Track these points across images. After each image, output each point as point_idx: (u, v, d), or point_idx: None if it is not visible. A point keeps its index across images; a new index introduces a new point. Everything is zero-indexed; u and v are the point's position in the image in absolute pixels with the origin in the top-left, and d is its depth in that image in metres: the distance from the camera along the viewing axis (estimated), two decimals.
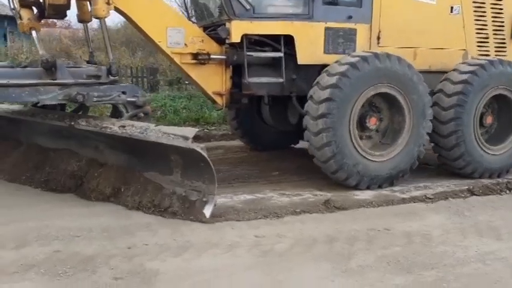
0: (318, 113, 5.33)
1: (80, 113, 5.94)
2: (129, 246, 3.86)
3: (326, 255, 3.77)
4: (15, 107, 6.09)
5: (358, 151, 5.49)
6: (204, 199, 4.39)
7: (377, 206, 5.02)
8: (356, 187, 5.48)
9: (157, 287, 3.24)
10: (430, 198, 5.24)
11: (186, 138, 4.36)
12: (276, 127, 7.23)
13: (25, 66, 5.32)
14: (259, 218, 4.55)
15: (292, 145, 7.76)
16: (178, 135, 4.43)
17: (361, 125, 5.68)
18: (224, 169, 6.41)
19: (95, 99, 5.12)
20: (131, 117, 5.34)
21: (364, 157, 5.52)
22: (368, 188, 5.52)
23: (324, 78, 5.45)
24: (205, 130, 9.18)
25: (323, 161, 5.44)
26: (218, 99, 5.93)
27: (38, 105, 5.49)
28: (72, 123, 5.08)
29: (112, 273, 3.40)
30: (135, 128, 4.69)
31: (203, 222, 4.31)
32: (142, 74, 12.32)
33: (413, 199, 5.23)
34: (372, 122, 5.71)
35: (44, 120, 5.43)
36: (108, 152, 4.99)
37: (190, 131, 4.48)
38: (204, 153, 4.29)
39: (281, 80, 5.82)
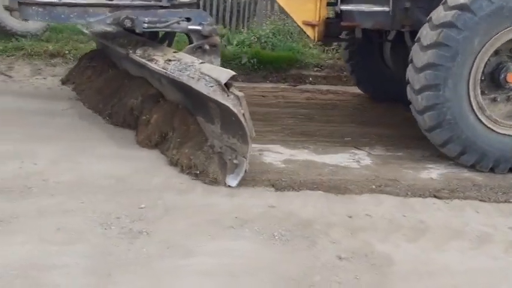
0: (422, 63, 3.89)
1: (166, 42, 5.31)
2: (350, 214, 3.26)
3: None
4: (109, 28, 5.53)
5: (479, 119, 3.93)
6: (235, 161, 3.55)
7: None
8: (473, 167, 4.02)
9: (393, 284, 2.59)
10: None
11: (217, 82, 3.48)
12: (397, 72, 5.52)
13: None
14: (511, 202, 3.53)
15: None
16: (212, 77, 3.55)
17: (494, 81, 4.05)
18: None
19: (145, 25, 4.40)
20: (195, 50, 4.46)
21: (489, 128, 3.97)
22: (492, 170, 3.99)
23: (439, 13, 3.91)
24: None
25: (426, 129, 4.05)
26: (309, 32, 4.72)
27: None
28: (131, 51, 4.50)
29: (335, 250, 2.86)
30: (178, 64, 3.95)
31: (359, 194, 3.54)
32: None
33: None
34: (510, 79, 4.00)
35: (112, 45, 4.95)
36: (168, 87, 4.29)
37: (225, 74, 3.53)
38: (229, 104, 3.37)
39: (387, 8, 4.40)
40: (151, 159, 3.96)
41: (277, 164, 4.02)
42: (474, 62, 3.90)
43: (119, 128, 4.60)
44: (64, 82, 6.07)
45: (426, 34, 3.95)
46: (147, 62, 4.26)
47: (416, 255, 2.84)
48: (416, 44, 4.05)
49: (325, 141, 4.63)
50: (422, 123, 4.07)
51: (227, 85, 3.48)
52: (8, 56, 6.90)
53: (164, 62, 4.14)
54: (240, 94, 3.47)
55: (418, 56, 3.97)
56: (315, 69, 7.51)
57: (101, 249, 2.73)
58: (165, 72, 3.97)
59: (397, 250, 2.88)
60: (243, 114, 3.40)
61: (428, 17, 4.04)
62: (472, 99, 3.95)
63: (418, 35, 4.07)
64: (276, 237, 2.97)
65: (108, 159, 3.89)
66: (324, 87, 6.91)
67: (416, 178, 3.87)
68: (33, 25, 7.50)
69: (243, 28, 9.36)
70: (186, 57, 4.12)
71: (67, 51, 7.07)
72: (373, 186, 3.66)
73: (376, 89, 6.06)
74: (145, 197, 3.34)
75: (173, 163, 3.79)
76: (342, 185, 3.64)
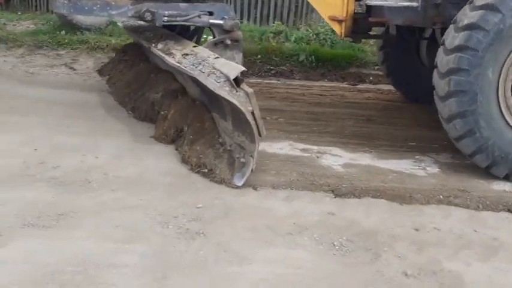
0: (446, 114, 3.68)
1: (195, 37, 5.18)
2: (417, 227, 3.07)
3: None
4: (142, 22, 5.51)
5: (506, 120, 3.64)
6: (242, 160, 3.42)
7: None
8: (508, 178, 3.72)
9: None
10: None
11: (226, 77, 3.40)
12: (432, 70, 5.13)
13: None
14: None
15: None
16: (222, 72, 3.46)
17: None
18: None
19: (165, 18, 4.31)
20: (216, 44, 4.33)
21: None
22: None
23: (442, 59, 3.68)
24: None
25: (445, 119, 3.76)
26: (336, 27, 4.48)
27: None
28: (153, 44, 4.45)
29: (400, 265, 2.68)
30: (194, 58, 3.87)
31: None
32: None
33: None
34: None
35: (138, 38, 4.90)
36: (189, 82, 4.15)
37: (235, 70, 3.42)
38: (235, 101, 3.25)
39: (415, 4, 4.11)
40: None
41: (336, 168, 3.87)
42: (498, 91, 3.64)
43: None
44: (100, 74, 6.13)
45: (438, 84, 3.74)
46: (164, 55, 4.26)
47: (490, 275, 2.62)
48: (434, 92, 3.83)
49: (388, 145, 4.41)
50: (442, 110, 3.81)
51: (237, 81, 3.41)
52: (72, 49, 7.12)
53: (181, 56, 4.12)
54: (250, 90, 3.36)
55: (440, 106, 3.78)
56: (376, 67, 7.21)
57: (159, 248, 2.71)
58: (178, 66, 3.94)
59: (468, 269, 2.66)
60: (252, 112, 3.30)
61: (435, 62, 3.82)
62: (500, 97, 3.66)
63: (433, 82, 3.84)
64: (336, 247, 2.83)
65: (167, 156, 3.88)
66: (385, 87, 6.60)
67: (488, 189, 3.61)
68: (98, 19, 7.68)
69: (300, 24, 9.19)
70: (204, 52, 4.07)
71: None
72: (441, 197, 3.44)
73: (409, 87, 5.77)
74: (203, 196, 3.30)
75: (184, 161, 3.73)
76: (407, 194, 3.45)
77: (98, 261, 2.55)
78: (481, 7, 3.57)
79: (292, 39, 7.89)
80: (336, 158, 4.05)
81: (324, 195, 3.42)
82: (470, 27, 3.56)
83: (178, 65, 3.96)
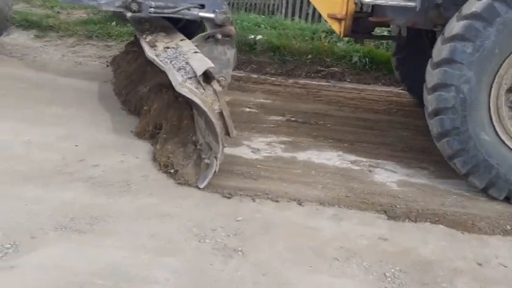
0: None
1: (198, 31, 4.88)
2: (480, 261, 2.74)
3: None
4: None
5: (497, 134, 3.34)
6: (207, 161, 3.28)
7: None
8: (484, 191, 3.43)
9: None
10: None
11: (193, 73, 3.30)
12: None
13: None
14: None
15: None
16: (193, 68, 3.35)
17: None
18: None
19: (151, 9, 4.14)
20: (206, 39, 4.09)
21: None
22: (509, 200, 3.37)
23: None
24: None
25: (435, 135, 3.49)
26: (335, 26, 4.24)
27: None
28: (143, 36, 4.30)
29: None
30: (173, 52, 3.71)
31: None
32: None
33: None
34: None
35: (136, 29, 4.78)
36: None
37: (203, 66, 3.29)
38: (197, 99, 3.15)
39: (412, 3, 3.80)
40: None
41: (390, 185, 3.56)
42: (504, 61, 3.28)
43: None
44: (109, 65, 5.98)
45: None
46: (146, 47, 4.13)
47: None
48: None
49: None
50: (432, 127, 3.55)
51: (209, 78, 3.27)
52: (121, 41, 7.07)
53: (162, 49, 4.00)
54: (218, 88, 3.24)
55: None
56: None
57: (194, 265, 2.52)
58: (154, 60, 3.82)
59: None
60: (220, 112, 3.15)
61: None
62: (491, 109, 3.35)
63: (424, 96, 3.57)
64: (388, 279, 2.55)
65: None
66: None
67: None
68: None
69: None
70: (187, 46, 3.91)
71: None
72: (508, 227, 3.08)
73: (420, 92, 5.39)
74: (243, 208, 3.09)
75: (155, 159, 3.56)
76: (469, 220, 3.11)
77: (129, 274, 2.39)
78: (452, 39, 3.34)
79: (346, 39, 7.54)
80: (390, 174, 3.74)
81: (375, 216, 3.13)
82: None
83: (154, 58, 3.86)
